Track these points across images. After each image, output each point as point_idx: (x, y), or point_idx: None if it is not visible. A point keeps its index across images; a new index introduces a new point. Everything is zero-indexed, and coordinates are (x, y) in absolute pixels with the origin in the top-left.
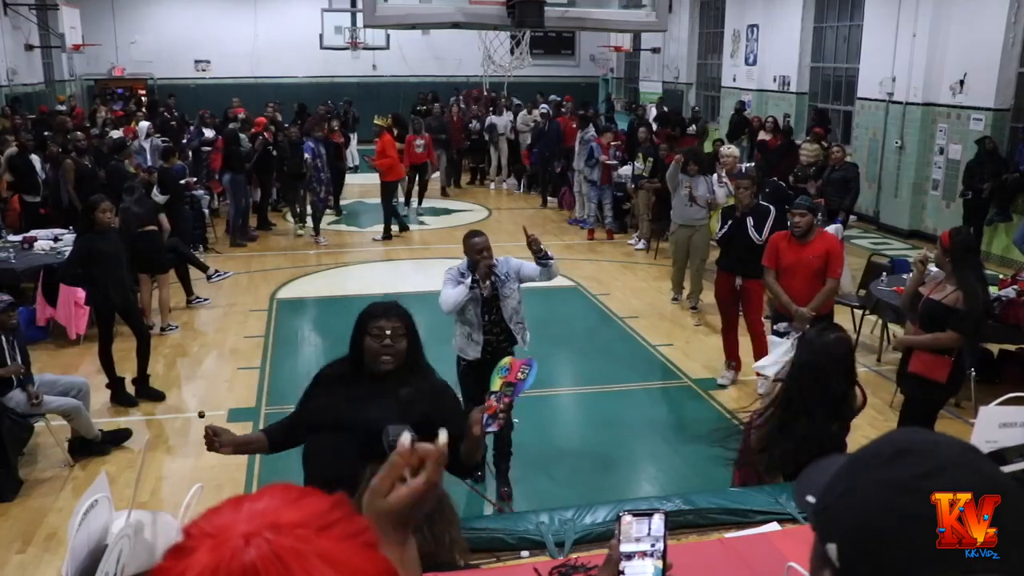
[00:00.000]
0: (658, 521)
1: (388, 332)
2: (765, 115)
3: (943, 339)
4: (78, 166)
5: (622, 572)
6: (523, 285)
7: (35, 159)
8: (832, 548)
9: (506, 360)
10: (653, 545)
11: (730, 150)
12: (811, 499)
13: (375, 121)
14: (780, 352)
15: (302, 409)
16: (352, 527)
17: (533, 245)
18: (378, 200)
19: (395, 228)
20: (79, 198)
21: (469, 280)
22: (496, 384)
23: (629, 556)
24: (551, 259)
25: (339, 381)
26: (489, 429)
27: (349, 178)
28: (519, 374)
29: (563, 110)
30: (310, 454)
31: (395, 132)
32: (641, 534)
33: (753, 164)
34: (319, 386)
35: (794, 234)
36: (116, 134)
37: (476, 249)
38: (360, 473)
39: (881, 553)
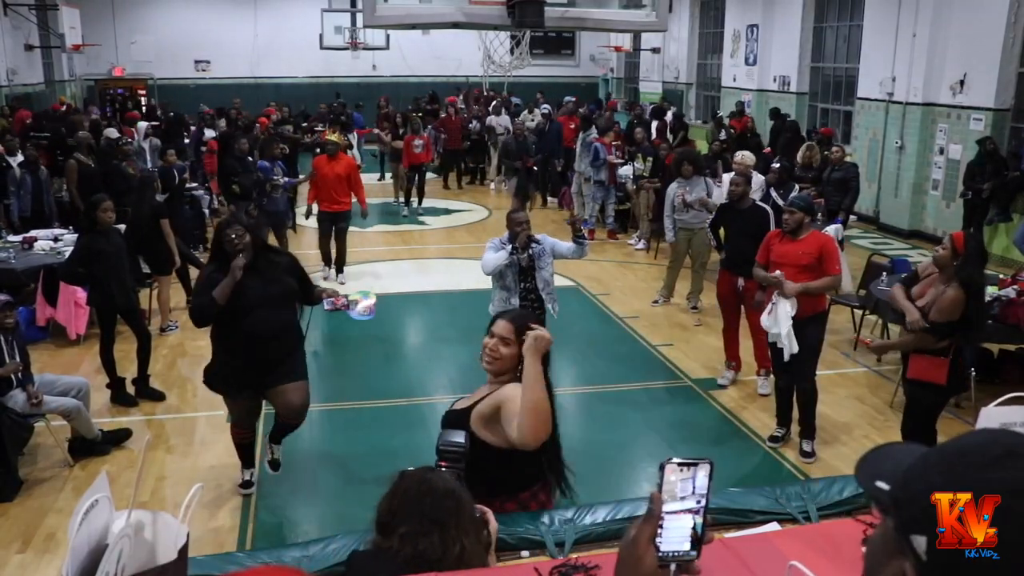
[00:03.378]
0: (703, 474)
1: (234, 236)
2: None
3: (909, 339)
4: (81, 166)
5: (662, 525)
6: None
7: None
8: (921, 541)
9: (372, 296)
10: (699, 502)
11: (743, 156)
12: (883, 485)
13: (330, 137)
14: (781, 317)
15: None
16: None
17: (575, 224)
18: (378, 199)
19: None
20: (82, 198)
21: (509, 247)
22: (355, 297)
23: (672, 512)
24: (584, 240)
25: (208, 275)
26: (326, 307)
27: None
28: (362, 310)
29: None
30: (250, 325)
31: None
32: (687, 491)
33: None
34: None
35: (784, 231)
36: (112, 133)
37: (516, 222)
38: (287, 323)
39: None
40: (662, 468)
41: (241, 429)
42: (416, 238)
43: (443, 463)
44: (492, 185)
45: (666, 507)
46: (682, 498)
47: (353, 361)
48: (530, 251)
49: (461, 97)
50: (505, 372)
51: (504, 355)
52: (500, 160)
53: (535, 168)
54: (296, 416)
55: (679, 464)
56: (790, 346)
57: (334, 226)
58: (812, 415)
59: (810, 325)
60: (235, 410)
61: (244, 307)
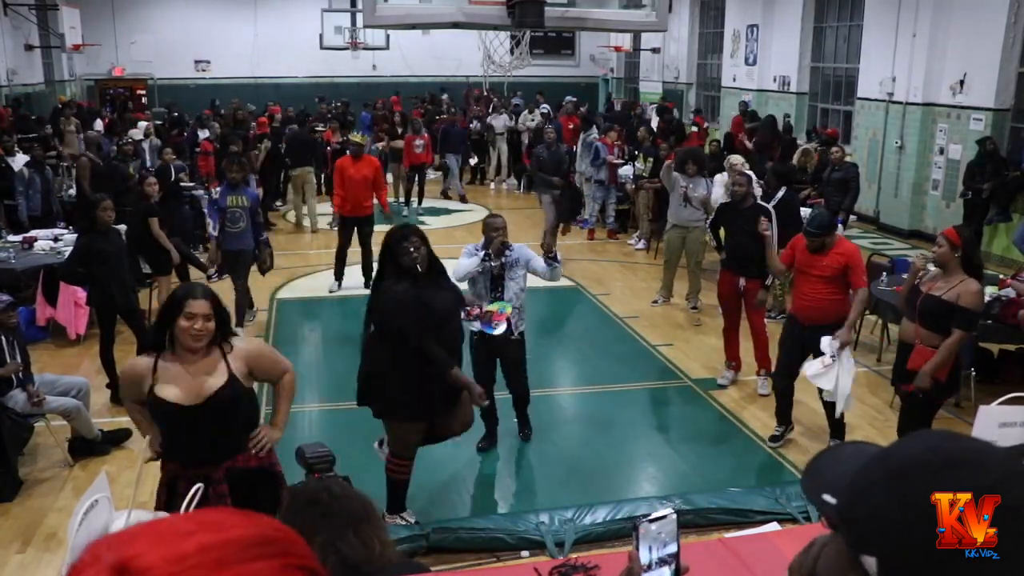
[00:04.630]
0: (671, 523)
1: (412, 250)
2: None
3: (954, 344)
4: (93, 164)
5: None
6: (529, 283)
7: (21, 160)
8: (871, 562)
9: (508, 308)
10: (672, 550)
11: (736, 158)
12: (830, 499)
13: (351, 138)
14: (829, 367)
15: (408, 316)
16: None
17: (549, 252)
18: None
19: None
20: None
21: (482, 253)
22: (490, 308)
23: (650, 566)
24: (557, 263)
25: (404, 291)
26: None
27: None
28: (494, 323)
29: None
30: (446, 340)
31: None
32: (666, 539)
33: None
34: (401, 300)
35: (810, 250)
36: (137, 134)
37: (492, 227)
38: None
39: (922, 562)
40: (636, 529)
41: (405, 460)
42: None
43: (318, 474)
44: (492, 185)
45: (648, 559)
46: (664, 546)
47: (353, 361)
48: (503, 259)
49: (446, 96)
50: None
51: (211, 329)
52: (532, 176)
53: (575, 186)
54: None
55: (650, 521)
56: (846, 404)
57: (359, 231)
58: (843, 418)
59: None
60: (408, 437)
61: (436, 322)
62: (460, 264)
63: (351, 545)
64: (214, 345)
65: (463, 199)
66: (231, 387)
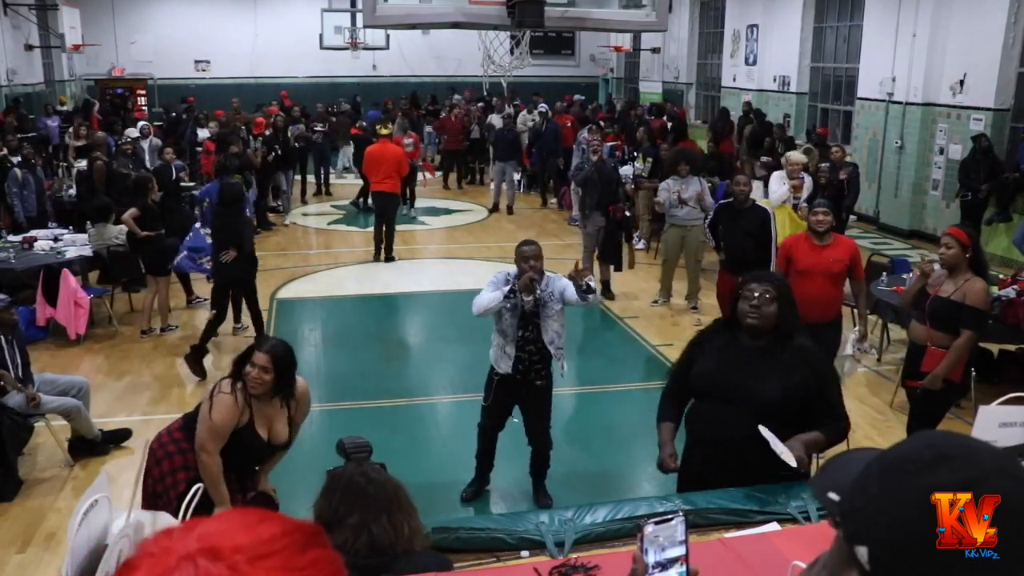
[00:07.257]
0: (679, 525)
1: (756, 294)
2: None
3: (964, 344)
4: (107, 168)
5: None
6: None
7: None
8: (863, 551)
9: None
10: (679, 552)
11: (796, 156)
12: (834, 496)
13: (380, 131)
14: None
15: (687, 373)
16: (296, 560)
17: (578, 279)
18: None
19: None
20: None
21: (507, 288)
22: None
23: (654, 568)
24: (592, 292)
25: (719, 345)
26: None
27: (352, 178)
28: None
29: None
30: (698, 419)
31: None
32: (665, 543)
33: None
34: (700, 348)
35: (816, 231)
36: (132, 133)
37: (523, 257)
38: (745, 438)
39: (919, 559)
40: (640, 530)
41: None
42: (416, 238)
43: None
44: (492, 185)
45: (650, 561)
46: (663, 550)
47: (353, 361)
48: (536, 294)
49: (457, 97)
50: (266, 392)
51: (267, 381)
52: (582, 200)
53: (628, 215)
54: None
55: (655, 523)
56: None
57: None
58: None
59: (832, 329)
60: None
61: (699, 389)
62: (480, 298)
63: (383, 528)
64: (280, 399)
65: (509, 210)
66: (289, 437)
